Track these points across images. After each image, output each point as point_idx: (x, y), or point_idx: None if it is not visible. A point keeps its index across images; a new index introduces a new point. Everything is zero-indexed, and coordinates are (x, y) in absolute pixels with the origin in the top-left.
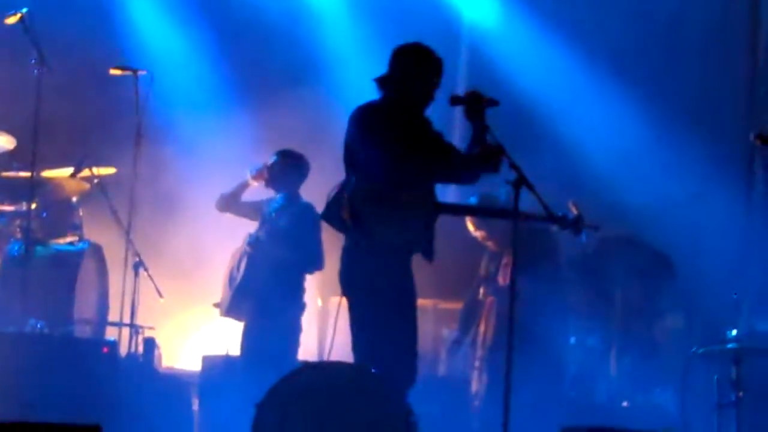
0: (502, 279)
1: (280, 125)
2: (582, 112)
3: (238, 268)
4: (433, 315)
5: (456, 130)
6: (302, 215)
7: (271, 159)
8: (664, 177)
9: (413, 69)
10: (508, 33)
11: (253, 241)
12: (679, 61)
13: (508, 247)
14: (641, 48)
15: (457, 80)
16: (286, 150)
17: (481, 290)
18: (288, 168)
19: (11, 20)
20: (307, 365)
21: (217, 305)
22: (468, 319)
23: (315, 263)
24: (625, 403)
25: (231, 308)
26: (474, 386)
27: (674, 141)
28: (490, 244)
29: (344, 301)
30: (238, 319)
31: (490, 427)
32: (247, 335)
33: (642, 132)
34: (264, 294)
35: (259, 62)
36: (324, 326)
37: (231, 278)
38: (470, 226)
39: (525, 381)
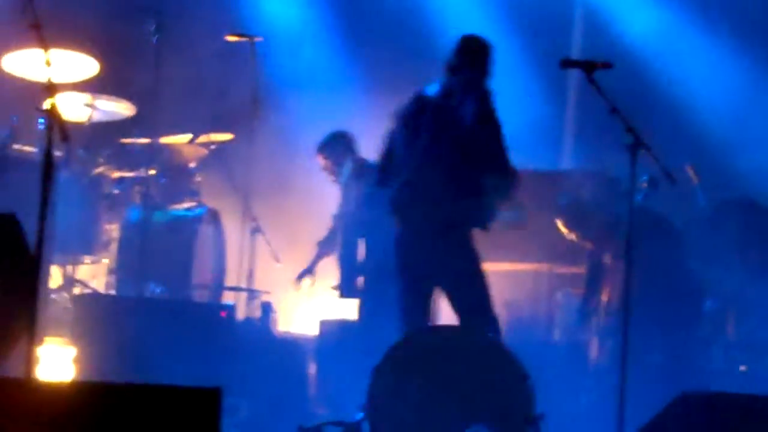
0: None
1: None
2: (698, 74)
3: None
4: (548, 279)
5: (570, 91)
6: None
7: (320, 162)
8: None
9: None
10: None
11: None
12: None
13: (608, 242)
14: (760, 6)
15: (572, 41)
16: (319, 147)
17: (606, 256)
18: (333, 150)
19: None
20: (422, 329)
21: (336, 288)
22: (591, 284)
23: None
24: (743, 368)
25: (349, 289)
26: (593, 352)
27: None
28: (587, 245)
29: None
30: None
31: (607, 392)
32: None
33: (759, 94)
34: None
35: (378, 42)
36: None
37: (342, 260)
38: (562, 228)
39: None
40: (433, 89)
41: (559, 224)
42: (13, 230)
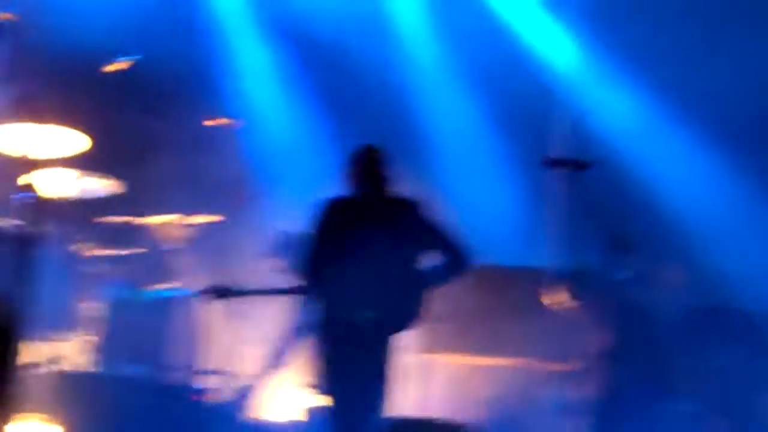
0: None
1: None
2: (676, 173)
3: None
4: (527, 375)
5: (550, 189)
6: None
7: None
8: (759, 243)
9: None
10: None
11: None
12: None
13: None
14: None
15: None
16: None
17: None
18: None
19: (114, 68)
20: (404, 421)
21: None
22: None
23: None
24: None
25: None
26: None
27: None
28: (583, 316)
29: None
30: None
31: None
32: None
33: (738, 195)
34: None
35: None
36: (425, 381)
37: None
38: (561, 297)
39: None
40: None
41: (563, 292)
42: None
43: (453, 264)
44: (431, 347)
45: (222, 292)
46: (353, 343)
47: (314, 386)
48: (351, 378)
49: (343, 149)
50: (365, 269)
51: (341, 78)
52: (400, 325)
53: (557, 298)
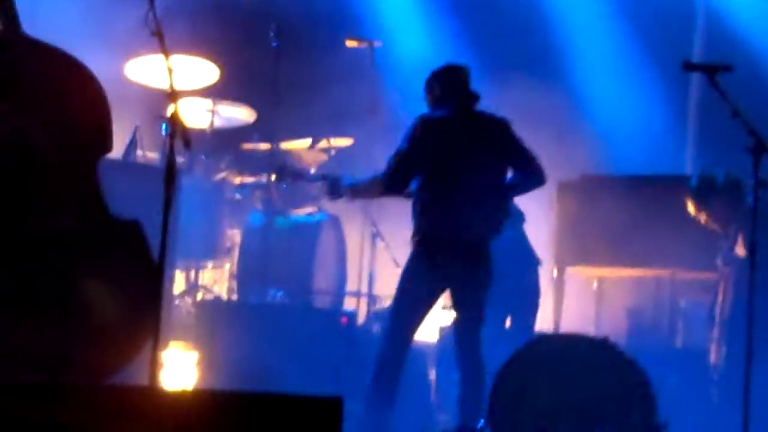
0: (740, 250)
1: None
2: None
3: None
4: (671, 285)
5: (692, 94)
6: None
7: None
8: None
9: None
10: None
11: None
12: None
13: (737, 226)
14: None
15: (694, 44)
16: None
17: (719, 260)
18: None
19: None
20: (544, 336)
21: (446, 308)
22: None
23: None
24: None
25: None
26: (712, 358)
27: None
28: (715, 226)
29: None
30: None
31: (731, 400)
32: None
33: None
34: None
35: (494, 44)
36: (560, 297)
37: None
38: (691, 209)
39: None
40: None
41: (689, 204)
42: (137, 237)
43: (534, 181)
44: (573, 260)
45: (288, 173)
46: (458, 258)
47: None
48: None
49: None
50: (465, 187)
51: None
52: (492, 235)
53: (694, 209)
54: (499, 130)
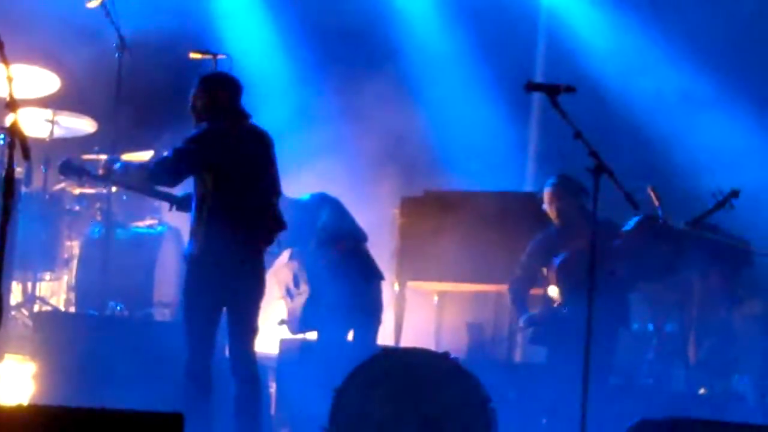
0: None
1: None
2: (661, 99)
3: (295, 284)
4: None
5: (533, 114)
6: None
7: None
8: (742, 165)
9: None
10: (586, 14)
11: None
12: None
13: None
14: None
15: (536, 64)
16: None
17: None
18: None
19: (93, 4)
20: (385, 350)
21: (283, 323)
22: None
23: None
24: (702, 390)
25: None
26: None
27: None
28: (558, 221)
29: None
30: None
31: (567, 412)
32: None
33: (721, 119)
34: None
35: (338, 50)
36: (400, 311)
37: (289, 293)
38: (547, 199)
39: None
40: None
41: (546, 195)
42: None
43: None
44: (414, 275)
45: (73, 169)
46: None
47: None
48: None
49: None
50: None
51: None
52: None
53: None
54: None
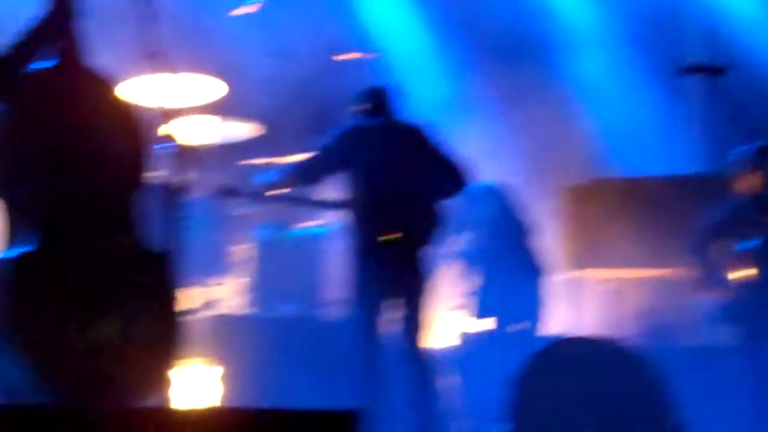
0: None
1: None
2: None
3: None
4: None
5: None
6: None
7: None
8: None
9: None
10: None
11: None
12: None
13: None
14: None
15: (692, 45)
16: None
17: None
18: None
19: (245, 11)
20: (562, 340)
21: (456, 310)
22: None
23: None
24: None
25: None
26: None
27: None
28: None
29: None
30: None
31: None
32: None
33: None
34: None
35: (490, 42)
36: (574, 300)
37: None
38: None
39: None
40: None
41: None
42: (168, 264)
43: (454, 184)
44: (585, 264)
45: (231, 192)
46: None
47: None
48: (387, 293)
49: None
50: (386, 193)
51: None
52: (422, 240)
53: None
54: (413, 135)
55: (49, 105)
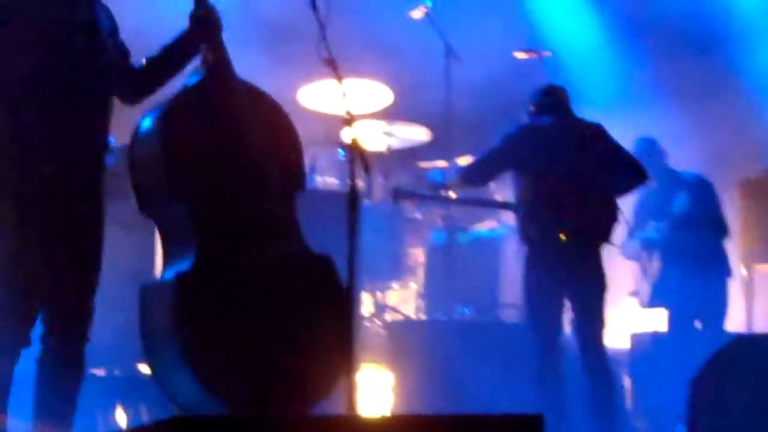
0: None
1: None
2: None
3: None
4: None
5: None
6: None
7: None
8: None
9: None
10: None
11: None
12: None
13: None
14: None
15: None
16: None
17: None
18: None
19: (416, 14)
20: (740, 338)
21: (633, 294)
22: None
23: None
24: None
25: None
26: None
27: None
28: None
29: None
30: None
31: None
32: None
33: None
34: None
35: (665, 40)
36: (750, 296)
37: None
38: None
39: None
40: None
41: None
42: (331, 269)
43: (635, 178)
44: (762, 258)
45: (404, 194)
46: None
47: None
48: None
49: None
50: (564, 190)
51: None
52: (601, 236)
53: None
54: (592, 134)
55: (204, 118)
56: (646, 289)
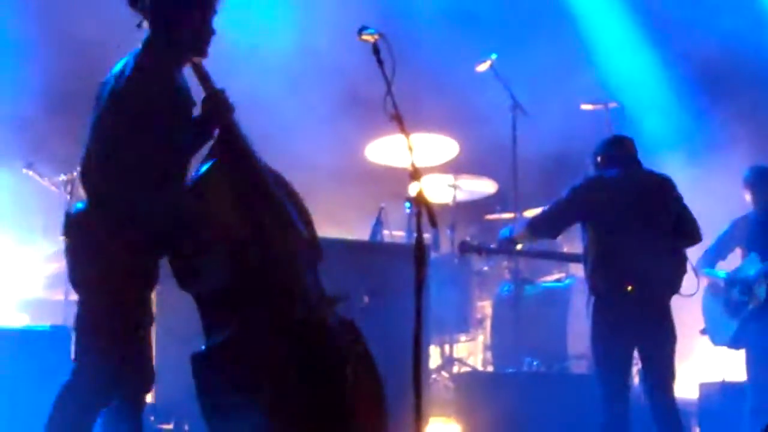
0: None
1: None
2: None
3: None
4: None
5: None
6: None
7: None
8: None
9: None
10: None
11: None
12: None
13: None
14: None
15: None
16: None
17: None
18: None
19: (482, 67)
20: None
21: (704, 332)
22: None
23: None
24: None
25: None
26: None
27: None
28: None
29: None
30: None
31: None
32: (753, 361)
33: None
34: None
35: (728, 83)
36: None
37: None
38: None
39: None
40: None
41: None
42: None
43: (690, 238)
44: None
45: (471, 248)
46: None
47: None
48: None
49: None
50: (631, 242)
51: None
52: (668, 288)
53: None
54: (660, 187)
55: (232, 197)
56: (724, 327)
